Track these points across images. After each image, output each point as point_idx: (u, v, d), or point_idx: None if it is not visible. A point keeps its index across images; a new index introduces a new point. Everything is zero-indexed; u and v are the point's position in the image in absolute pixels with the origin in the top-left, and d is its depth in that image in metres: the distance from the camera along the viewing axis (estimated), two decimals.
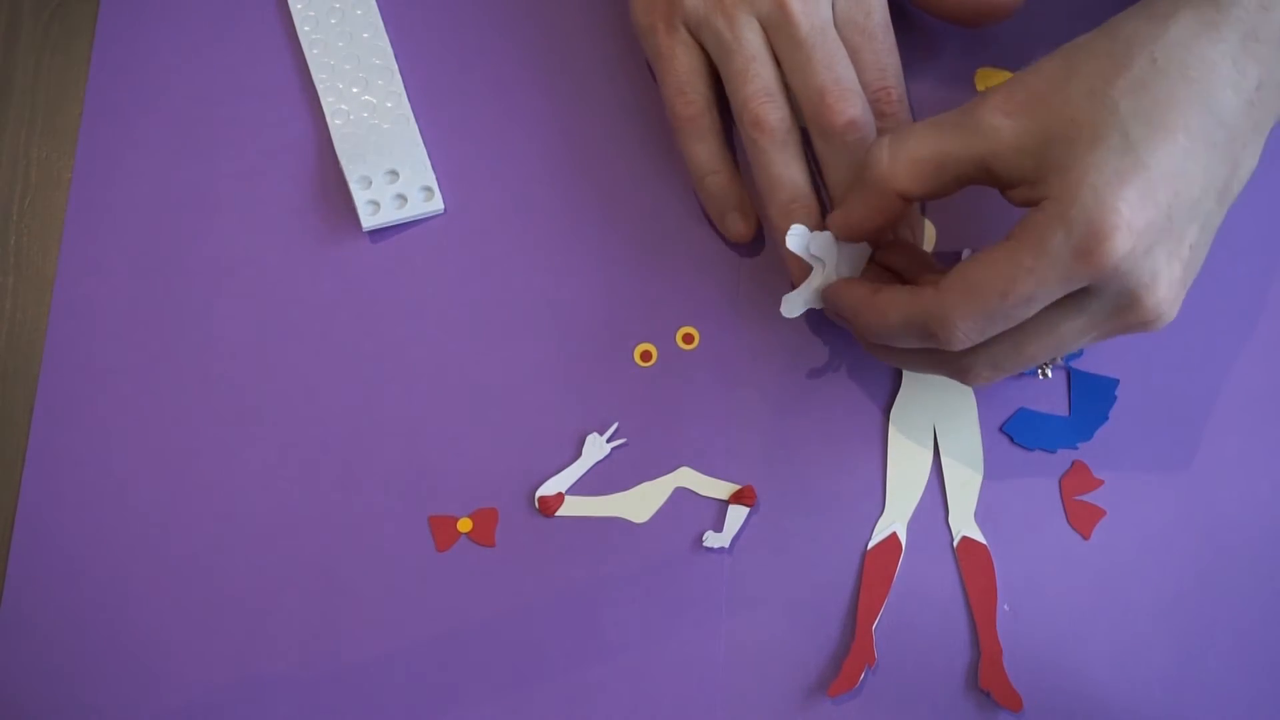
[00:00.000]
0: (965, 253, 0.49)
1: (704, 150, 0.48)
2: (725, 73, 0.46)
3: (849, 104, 0.44)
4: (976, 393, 0.47)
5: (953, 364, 0.41)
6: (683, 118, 0.47)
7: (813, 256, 0.44)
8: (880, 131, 0.45)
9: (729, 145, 0.49)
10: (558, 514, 0.47)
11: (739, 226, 0.48)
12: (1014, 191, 0.38)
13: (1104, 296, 0.37)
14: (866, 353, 0.47)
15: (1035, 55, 0.51)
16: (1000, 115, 0.38)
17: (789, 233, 0.44)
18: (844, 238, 0.43)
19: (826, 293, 0.44)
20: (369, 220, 0.50)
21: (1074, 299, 0.37)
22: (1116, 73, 0.36)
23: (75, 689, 0.46)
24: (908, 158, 0.40)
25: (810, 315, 0.48)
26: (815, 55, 0.44)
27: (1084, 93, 0.36)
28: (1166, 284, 0.37)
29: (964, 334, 0.38)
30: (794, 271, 0.46)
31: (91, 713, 0.46)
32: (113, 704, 0.46)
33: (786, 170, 0.45)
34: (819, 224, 0.45)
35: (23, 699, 0.46)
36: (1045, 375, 0.45)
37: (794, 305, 0.45)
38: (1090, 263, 0.35)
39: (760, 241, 0.49)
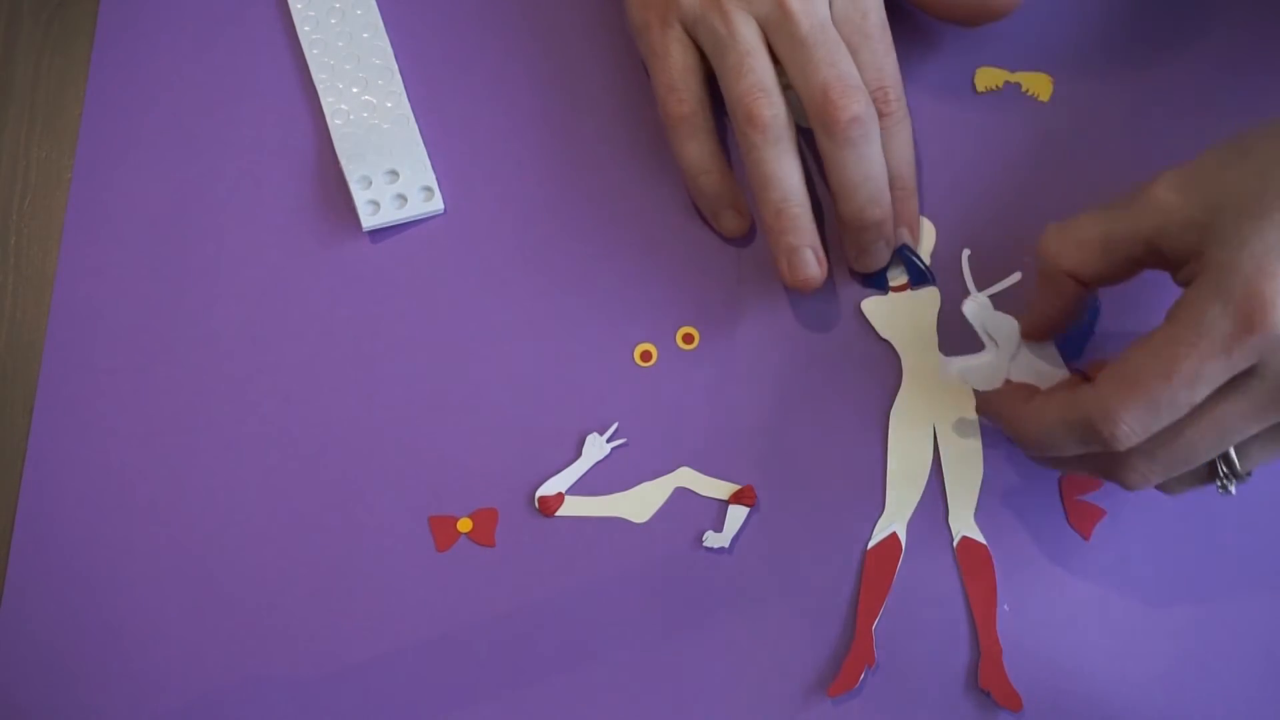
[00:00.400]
0: (965, 253, 0.48)
1: (695, 149, 0.47)
2: (720, 69, 0.46)
3: (853, 100, 0.44)
4: None
5: (1107, 464, 0.39)
6: (674, 116, 0.47)
7: (986, 334, 0.45)
8: (882, 131, 0.45)
9: (722, 144, 0.49)
10: (558, 514, 0.47)
11: (733, 224, 0.48)
12: (1181, 271, 0.37)
13: (1267, 374, 0.35)
14: (866, 353, 0.47)
15: (1034, 55, 0.51)
16: (1170, 191, 0.37)
17: (968, 299, 0.45)
18: (1034, 336, 0.44)
19: (980, 401, 0.44)
20: (369, 220, 0.50)
21: (1234, 381, 0.35)
22: None
23: (75, 689, 0.46)
24: (1074, 240, 0.39)
25: (809, 315, 0.48)
26: (817, 53, 0.44)
27: (1254, 172, 0.36)
28: None
29: (1128, 428, 0.36)
30: (783, 267, 0.45)
31: (91, 713, 0.46)
32: (113, 704, 0.46)
33: (779, 168, 0.45)
34: (812, 224, 0.45)
35: (23, 699, 0.46)
36: (1227, 490, 0.39)
37: (948, 370, 0.46)
38: (1252, 330, 0.34)
39: (760, 241, 0.49)
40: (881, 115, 0.45)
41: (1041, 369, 0.45)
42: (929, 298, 0.48)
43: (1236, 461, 0.38)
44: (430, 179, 0.51)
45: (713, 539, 0.46)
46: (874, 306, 0.48)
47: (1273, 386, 0.35)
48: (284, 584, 0.47)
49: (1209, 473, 0.39)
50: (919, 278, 0.48)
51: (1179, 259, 0.37)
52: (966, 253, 0.49)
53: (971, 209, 0.49)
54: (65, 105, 0.54)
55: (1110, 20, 0.51)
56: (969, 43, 0.51)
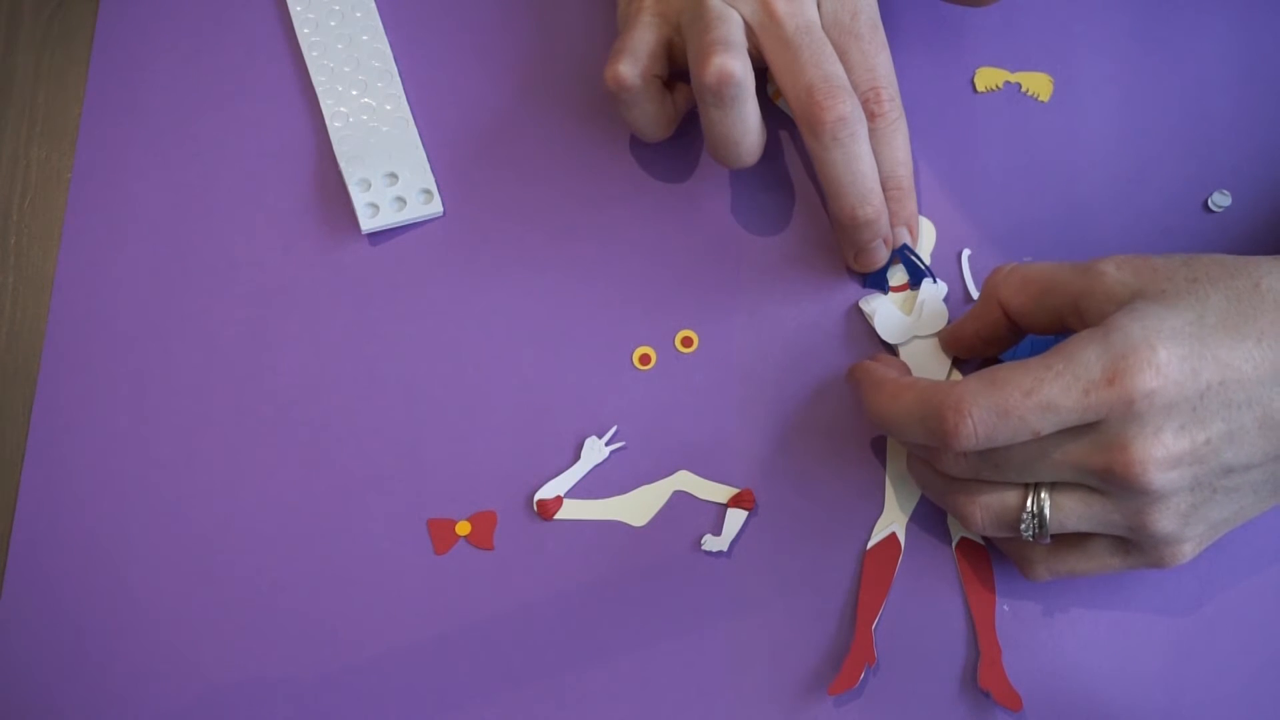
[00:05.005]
0: (965, 253, 0.48)
1: (641, 116, 0.47)
2: (689, 34, 0.45)
3: (838, 100, 0.43)
4: None
5: (931, 454, 0.41)
6: (616, 81, 0.46)
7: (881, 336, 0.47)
8: (872, 132, 0.45)
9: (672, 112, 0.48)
10: (556, 517, 0.47)
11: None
12: None
13: (1103, 431, 0.36)
14: (865, 354, 0.48)
15: (1034, 55, 0.51)
16: (1111, 265, 0.39)
17: (862, 300, 0.48)
18: (946, 343, 0.47)
19: (854, 367, 0.45)
20: (368, 223, 0.50)
21: (1077, 427, 0.37)
22: (1222, 278, 0.38)
23: (74, 689, 0.47)
24: (1020, 276, 0.42)
25: (808, 317, 0.48)
26: (802, 54, 0.44)
27: (1187, 278, 0.38)
28: (1163, 450, 0.36)
29: (974, 425, 0.37)
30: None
31: (91, 712, 0.46)
32: (112, 704, 0.46)
33: (738, 126, 0.44)
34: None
35: (21, 699, 0.47)
36: (1029, 534, 0.40)
37: (865, 304, 0.48)
38: (1112, 384, 0.35)
39: (758, 244, 0.49)
40: (875, 116, 0.45)
41: (929, 366, 0.47)
42: (929, 297, 0.48)
43: (1048, 514, 0.39)
44: (429, 182, 0.51)
45: (711, 542, 0.46)
46: (872, 306, 0.48)
47: (1105, 442, 0.37)
48: (283, 585, 0.47)
49: (1018, 512, 0.40)
50: (919, 277, 0.48)
51: (1090, 325, 0.38)
52: (967, 253, 0.49)
53: (971, 209, 0.49)
54: (65, 105, 0.54)
55: (1110, 20, 0.51)
56: (969, 43, 0.51)
